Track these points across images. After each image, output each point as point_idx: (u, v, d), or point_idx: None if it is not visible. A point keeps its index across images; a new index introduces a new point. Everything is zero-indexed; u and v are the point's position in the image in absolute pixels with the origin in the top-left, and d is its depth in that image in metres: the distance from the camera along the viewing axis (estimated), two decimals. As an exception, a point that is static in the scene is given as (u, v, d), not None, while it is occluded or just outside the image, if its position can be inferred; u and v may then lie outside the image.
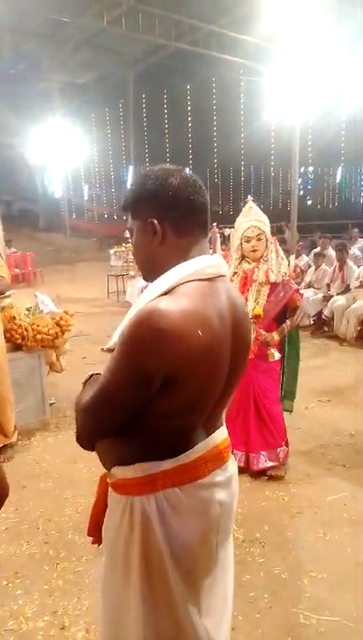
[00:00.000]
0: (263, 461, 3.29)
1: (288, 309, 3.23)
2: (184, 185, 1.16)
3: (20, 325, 3.95)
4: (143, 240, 1.19)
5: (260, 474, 3.31)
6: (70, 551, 2.61)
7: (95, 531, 1.36)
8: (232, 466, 1.33)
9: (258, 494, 3.14)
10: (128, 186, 1.22)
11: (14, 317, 3.97)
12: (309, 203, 27.99)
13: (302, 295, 3.33)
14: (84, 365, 5.74)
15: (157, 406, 1.09)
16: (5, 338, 3.72)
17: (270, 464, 3.29)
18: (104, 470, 1.32)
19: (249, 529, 2.79)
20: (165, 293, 1.09)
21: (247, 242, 3.17)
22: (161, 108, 20.33)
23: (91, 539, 1.41)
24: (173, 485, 1.17)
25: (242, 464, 3.27)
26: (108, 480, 1.29)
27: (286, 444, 3.40)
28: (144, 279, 1.25)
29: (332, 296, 7.42)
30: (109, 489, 1.29)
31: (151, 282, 1.18)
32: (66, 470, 3.44)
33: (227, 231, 9.35)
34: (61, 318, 4.22)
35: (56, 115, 16.56)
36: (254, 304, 3.13)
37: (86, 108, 20.55)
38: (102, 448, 1.26)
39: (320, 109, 11.75)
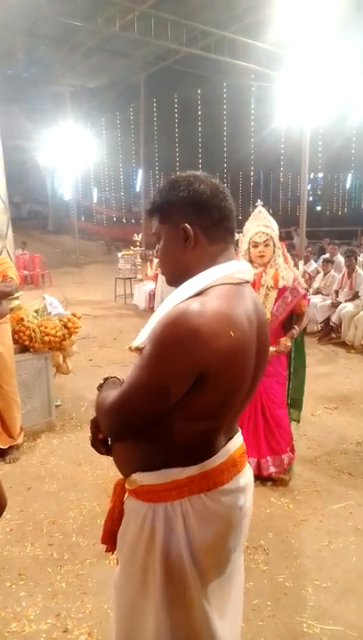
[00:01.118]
0: (267, 467, 3.28)
1: (295, 315, 3.24)
2: (215, 192, 1.17)
3: (28, 327, 3.96)
4: (173, 245, 1.19)
5: (265, 480, 3.30)
6: (74, 554, 2.61)
7: (109, 538, 1.35)
8: (249, 471, 1.34)
9: (263, 501, 3.13)
10: (157, 190, 1.28)
11: (22, 319, 4.00)
12: (318, 209, 27.96)
13: (308, 300, 3.34)
14: (91, 368, 5.75)
15: (186, 408, 1.09)
16: (13, 339, 3.74)
17: (274, 470, 3.28)
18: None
19: (253, 536, 2.77)
20: (196, 295, 1.10)
21: (255, 247, 3.17)
22: (171, 113, 20.40)
23: (104, 546, 1.39)
24: (200, 491, 1.17)
25: (254, 471, 3.26)
26: (127, 486, 1.27)
27: (292, 450, 3.38)
28: (169, 284, 1.25)
29: (340, 303, 7.39)
30: (127, 495, 1.28)
31: (177, 287, 1.18)
32: (71, 472, 3.44)
33: (236, 236, 9.34)
34: (69, 320, 4.24)
35: (67, 118, 16.66)
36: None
37: (97, 111, 20.68)
38: (122, 454, 1.26)
39: (331, 115, 11.73)
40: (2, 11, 10.36)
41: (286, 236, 15.54)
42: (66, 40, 13.92)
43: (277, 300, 3.16)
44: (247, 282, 1.21)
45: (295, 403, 3.53)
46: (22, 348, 3.98)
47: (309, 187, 18.67)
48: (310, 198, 25.95)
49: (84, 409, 4.58)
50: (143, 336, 1.17)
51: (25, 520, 2.92)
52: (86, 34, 13.22)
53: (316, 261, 9.72)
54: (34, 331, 3.97)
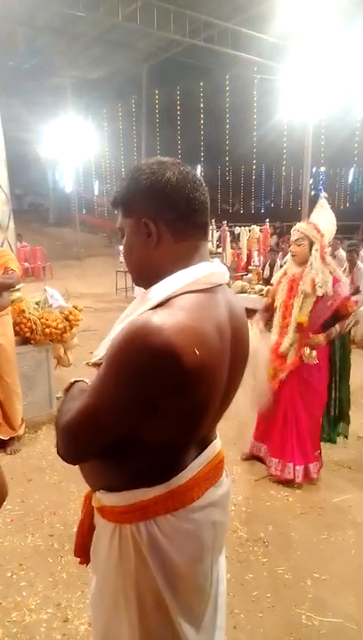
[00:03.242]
0: (298, 476, 3.20)
1: (338, 315, 3.05)
2: (183, 181, 1.03)
3: (29, 319, 3.96)
4: (136, 242, 1.07)
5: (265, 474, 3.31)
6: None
7: (82, 551, 1.27)
8: (226, 480, 1.25)
9: (263, 494, 3.14)
10: (120, 179, 1.16)
11: (23, 311, 3.99)
12: (320, 203, 27.83)
13: (355, 302, 3.14)
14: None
15: (148, 430, 1.00)
16: (14, 331, 3.74)
17: (300, 479, 3.20)
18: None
19: (253, 528, 2.79)
20: (160, 305, 0.98)
21: (290, 245, 3.15)
22: (174, 105, 20.25)
23: (78, 559, 1.33)
24: (166, 512, 1.08)
25: (279, 473, 3.22)
26: (93, 503, 1.20)
27: (320, 456, 3.32)
28: (135, 284, 1.15)
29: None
30: (95, 511, 1.20)
31: (144, 288, 1.07)
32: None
33: (237, 229, 9.31)
34: (70, 313, 4.23)
35: (68, 110, 16.57)
36: (297, 312, 3.05)
37: (98, 103, 20.55)
38: (87, 469, 1.18)
39: (334, 109, 11.68)
40: (1, 2, 10.26)
41: (287, 231, 15.48)
42: (67, 31, 13.79)
43: (315, 304, 3.02)
44: (221, 284, 1.09)
45: (343, 416, 3.36)
46: (23, 340, 3.98)
47: (311, 181, 18.56)
48: (312, 192, 25.84)
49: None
50: (104, 348, 1.07)
51: (26, 511, 2.93)
52: (88, 24, 13.11)
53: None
54: (35, 323, 3.97)
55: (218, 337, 1.01)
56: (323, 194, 3.27)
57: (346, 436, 3.43)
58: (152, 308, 0.98)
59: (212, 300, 1.04)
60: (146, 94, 18.32)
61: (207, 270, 1.04)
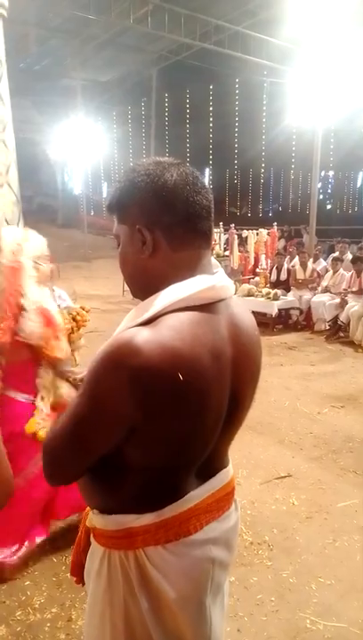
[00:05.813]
0: None
1: None
2: (183, 183, 0.93)
3: (37, 319, 3.97)
4: (131, 251, 0.97)
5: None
6: (79, 545, 2.62)
7: (78, 570, 1.21)
8: (234, 513, 1.14)
9: (268, 497, 3.13)
10: (115, 183, 1.03)
11: (31, 311, 4.01)
12: (328, 207, 27.81)
13: None
14: (98, 361, 5.77)
15: (132, 453, 0.94)
16: (22, 331, 3.75)
17: None
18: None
19: (258, 531, 2.78)
20: (148, 322, 0.90)
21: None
22: (183, 108, 20.32)
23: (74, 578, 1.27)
24: (156, 543, 0.99)
25: None
26: (87, 523, 1.13)
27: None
28: (134, 296, 1.06)
29: (348, 302, 7.37)
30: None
31: (141, 300, 0.99)
32: (77, 464, 3.46)
33: (245, 233, 9.31)
34: (78, 314, 4.22)
35: (78, 111, 16.66)
36: None
37: (108, 105, 20.64)
38: (82, 487, 1.12)
39: (343, 113, 11.64)
40: (15, 3, 10.34)
41: (295, 234, 15.46)
42: (78, 33, 13.88)
43: None
44: (223, 299, 0.99)
45: None
46: (31, 340, 3.99)
47: (319, 185, 18.51)
48: (321, 196, 25.79)
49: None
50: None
51: (31, 510, 2.93)
52: (99, 27, 13.16)
53: (325, 259, 9.69)
54: (42, 323, 3.97)
55: (211, 360, 0.91)
56: None
57: None
58: (140, 324, 0.91)
59: (208, 318, 0.94)
60: (156, 97, 18.37)
61: (204, 284, 0.94)
